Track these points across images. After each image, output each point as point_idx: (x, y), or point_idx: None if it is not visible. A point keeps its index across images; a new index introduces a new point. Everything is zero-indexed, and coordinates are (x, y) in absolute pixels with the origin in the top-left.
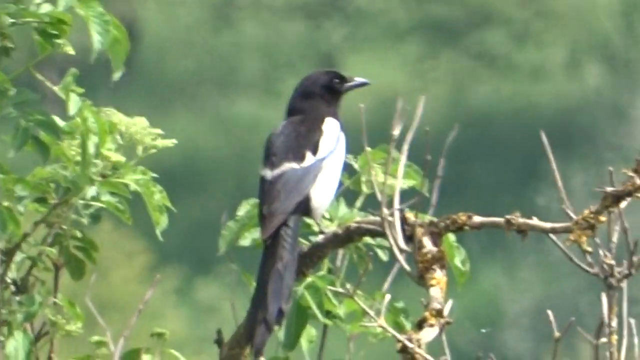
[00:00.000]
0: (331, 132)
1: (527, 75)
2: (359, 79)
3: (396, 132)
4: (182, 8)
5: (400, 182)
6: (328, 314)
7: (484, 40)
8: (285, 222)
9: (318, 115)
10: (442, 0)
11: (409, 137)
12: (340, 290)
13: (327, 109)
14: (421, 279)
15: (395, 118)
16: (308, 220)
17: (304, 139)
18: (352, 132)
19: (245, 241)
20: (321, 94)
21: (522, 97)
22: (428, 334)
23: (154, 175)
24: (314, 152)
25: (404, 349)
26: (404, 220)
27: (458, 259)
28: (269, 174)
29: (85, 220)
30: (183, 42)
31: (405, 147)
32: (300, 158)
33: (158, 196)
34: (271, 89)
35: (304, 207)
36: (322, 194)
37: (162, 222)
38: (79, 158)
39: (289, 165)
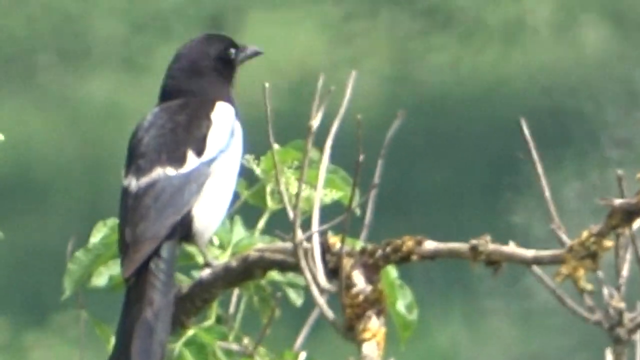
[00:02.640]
0: (223, 122)
1: (500, 39)
2: (252, 48)
3: (315, 122)
4: None
5: (321, 194)
6: None
7: None
8: (156, 252)
9: (205, 98)
10: None
11: (334, 129)
12: (235, 347)
13: (218, 90)
14: (350, 331)
15: (315, 102)
16: (189, 249)
17: (184, 133)
18: (253, 123)
19: (100, 279)
20: (210, 68)
21: (493, 70)
22: None
23: None
24: (199, 151)
25: None
26: (326, 248)
27: (402, 303)
28: (133, 183)
29: None
30: None
31: (329, 144)
32: (179, 160)
33: None
34: (135, 61)
35: (184, 230)
36: (210, 211)
37: None
38: None
39: (162, 171)
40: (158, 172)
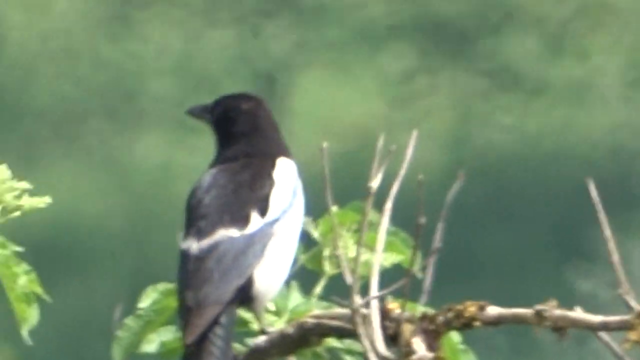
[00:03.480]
0: (286, 180)
1: (566, 99)
2: None
3: (375, 183)
4: (58, 5)
5: (381, 258)
6: None
7: (502, 49)
8: (216, 317)
9: (266, 154)
10: None
11: (394, 190)
12: None
13: (277, 145)
14: None
15: (374, 163)
16: (243, 315)
17: (247, 193)
18: (310, 185)
19: (151, 346)
20: (267, 121)
21: (559, 132)
22: None
23: (18, 249)
24: (262, 212)
25: None
26: (384, 314)
27: None
28: (194, 246)
29: None
30: (60, 54)
31: (389, 206)
32: (242, 221)
33: (24, 279)
34: (187, 122)
35: (244, 294)
36: (271, 275)
37: (30, 317)
38: None
39: (225, 233)
40: (221, 233)
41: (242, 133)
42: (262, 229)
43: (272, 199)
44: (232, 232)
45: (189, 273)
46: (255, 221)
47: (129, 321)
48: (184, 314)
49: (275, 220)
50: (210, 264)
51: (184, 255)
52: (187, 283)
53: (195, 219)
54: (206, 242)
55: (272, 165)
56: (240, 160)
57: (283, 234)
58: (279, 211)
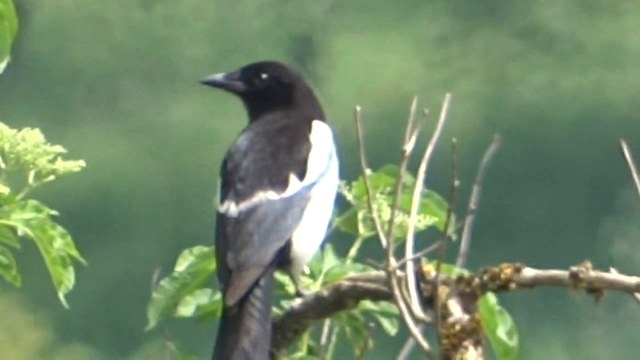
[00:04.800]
0: (323, 144)
1: (600, 60)
2: None
3: (409, 146)
4: None
5: (415, 220)
6: None
7: (535, 12)
8: (257, 280)
9: (301, 117)
10: None
11: (428, 153)
12: None
13: (312, 108)
14: None
15: (408, 126)
16: (279, 278)
17: (285, 156)
18: (344, 148)
19: (187, 309)
20: (303, 87)
21: (593, 92)
22: None
23: (53, 212)
24: (301, 175)
25: None
26: (420, 276)
27: (502, 329)
28: (233, 208)
29: None
30: (93, 19)
31: (423, 168)
32: (281, 184)
33: (59, 243)
34: None
35: (282, 257)
36: (309, 237)
37: (66, 280)
38: None
39: (264, 195)
40: (260, 196)
41: (279, 99)
42: (301, 192)
43: (310, 163)
44: (271, 195)
45: (229, 236)
46: (294, 184)
47: (165, 284)
48: (225, 277)
49: (313, 184)
50: (250, 226)
51: (222, 218)
52: (227, 246)
53: (233, 182)
54: (245, 205)
55: (309, 129)
56: (277, 123)
57: (320, 197)
58: (317, 175)
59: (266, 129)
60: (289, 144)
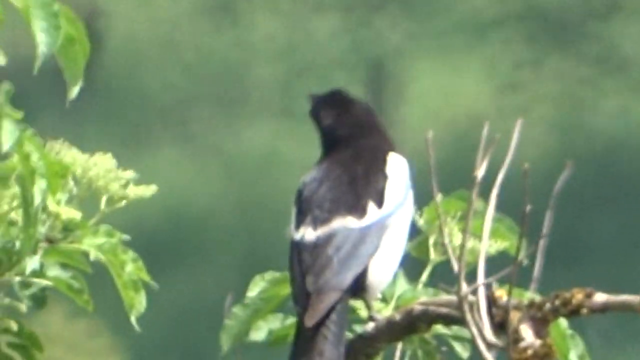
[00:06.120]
0: (399, 175)
1: None
2: None
3: (480, 171)
4: None
5: (487, 245)
6: None
7: (609, 36)
8: (334, 304)
9: (377, 149)
10: None
11: (500, 178)
12: None
13: (385, 140)
14: None
15: (480, 152)
16: (352, 302)
17: (363, 185)
18: (419, 172)
19: (259, 334)
20: (376, 120)
21: None
22: None
23: (125, 237)
24: (379, 204)
25: None
26: (492, 301)
27: (574, 353)
28: (310, 233)
29: (24, 305)
30: (166, 43)
31: (495, 193)
32: (360, 212)
33: (131, 267)
34: (294, 109)
35: (357, 284)
36: (385, 266)
37: (137, 304)
38: (15, 215)
39: (342, 223)
40: (339, 222)
41: (351, 133)
42: (379, 220)
43: (387, 193)
44: (350, 222)
45: (308, 260)
46: (372, 212)
47: (237, 310)
48: (302, 299)
49: (390, 214)
50: (329, 251)
51: (298, 244)
52: (306, 269)
53: (310, 209)
54: (323, 231)
55: (384, 161)
56: (352, 155)
57: (396, 227)
58: (394, 205)
59: (341, 159)
60: (365, 174)
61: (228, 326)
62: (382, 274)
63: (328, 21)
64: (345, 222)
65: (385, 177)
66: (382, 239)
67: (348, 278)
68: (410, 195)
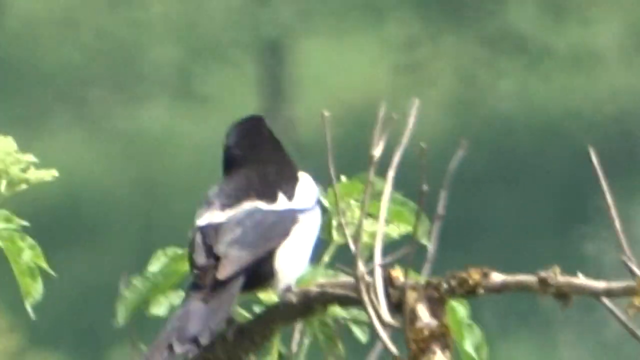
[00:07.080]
0: (309, 187)
1: (568, 65)
2: None
3: (377, 151)
4: None
5: (387, 227)
6: None
7: (504, 17)
8: (236, 273)
9: (286, 163)
10: None
11: (396, 159)
12: None
13: (291, 163)
14: None
15: (376, 132)
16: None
17: (275, 177)
18: (315, 152)
19: (160, 309)
20: (275, 140)
21: (561, 98)
22: None
23: (23, 223)
24: (290, 197)
25: None
26: (389, 282)
27: (470, 343)
28: (218, 216)
29: None
30: (63, 22)
31: (391, 175)
32: (271, 198)
33: (28, 254)
34: (190, 89)
35: (264, 271)
36: (294, 256)
37: (34, 291)
38: None
39: (252, 205)
40: (249, 204)
41: (256, 154)
42: (289, 210)
43: (298, 192)
44: (260, 205)
45: (213, 236)
46: (283, 201)
47: (137, 282)
48: (207, 263)
49: (301, 210)
50: (238, 224)
51: (203, 227)
52: (213, 242)
53: (218, 199)
54: (233, 211)
55: (295, 171)
56: (259, 167)
57: (306, 225)
58: (304, 205)
59: (250, 166)
60: (277, 173)
61: (125, 298)
62: (291, 264)
63: (225, 0)
64: (255, 204)
65: (296, 179)
66: (292, 229)
67: (256, 251)
68: (318, 212)
